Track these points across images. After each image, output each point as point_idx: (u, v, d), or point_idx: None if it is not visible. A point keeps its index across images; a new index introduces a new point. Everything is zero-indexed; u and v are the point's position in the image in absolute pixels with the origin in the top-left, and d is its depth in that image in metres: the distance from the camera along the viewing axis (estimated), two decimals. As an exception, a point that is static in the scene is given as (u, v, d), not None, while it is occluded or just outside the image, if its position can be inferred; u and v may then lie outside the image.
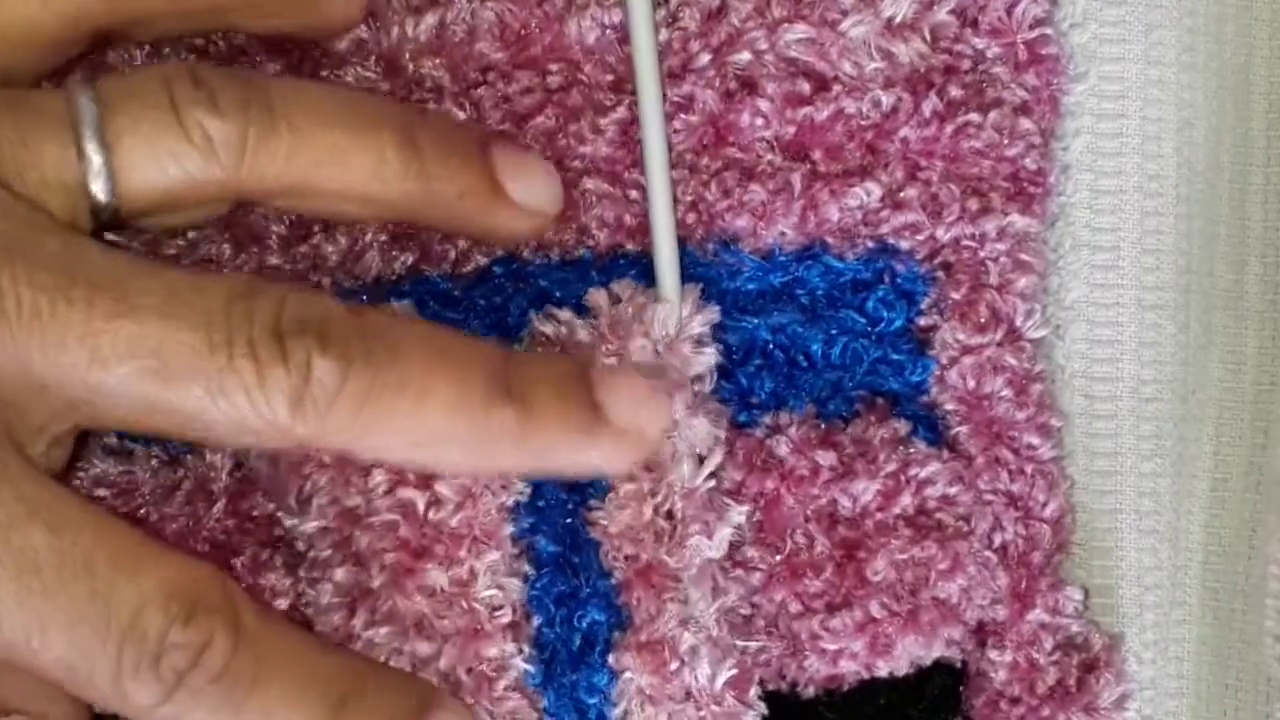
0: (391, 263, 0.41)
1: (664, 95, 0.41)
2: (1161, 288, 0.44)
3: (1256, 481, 0.44)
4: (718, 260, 0.41)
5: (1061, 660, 0.42)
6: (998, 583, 0.41)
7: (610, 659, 0.39)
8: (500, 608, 0.38)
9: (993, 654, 0.42)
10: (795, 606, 0.40)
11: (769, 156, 0.41)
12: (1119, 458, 0.43)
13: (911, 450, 0.41)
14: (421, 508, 0.38)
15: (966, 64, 0.42)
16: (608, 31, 0.41)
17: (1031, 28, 0.41)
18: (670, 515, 0.39)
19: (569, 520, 0.39)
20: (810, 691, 0.41)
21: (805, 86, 0.41)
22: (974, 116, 0.41)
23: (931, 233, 0.42)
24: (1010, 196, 0.42)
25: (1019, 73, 0.42)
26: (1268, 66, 0.45)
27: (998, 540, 0.42)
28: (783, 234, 0.41)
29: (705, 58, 0.41)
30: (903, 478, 0.41)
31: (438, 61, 0.41)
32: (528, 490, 0.39)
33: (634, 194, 0.41)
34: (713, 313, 0.40)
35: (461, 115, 0.41)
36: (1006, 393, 0.42)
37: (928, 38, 0.41)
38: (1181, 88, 0.43)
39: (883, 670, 0.41)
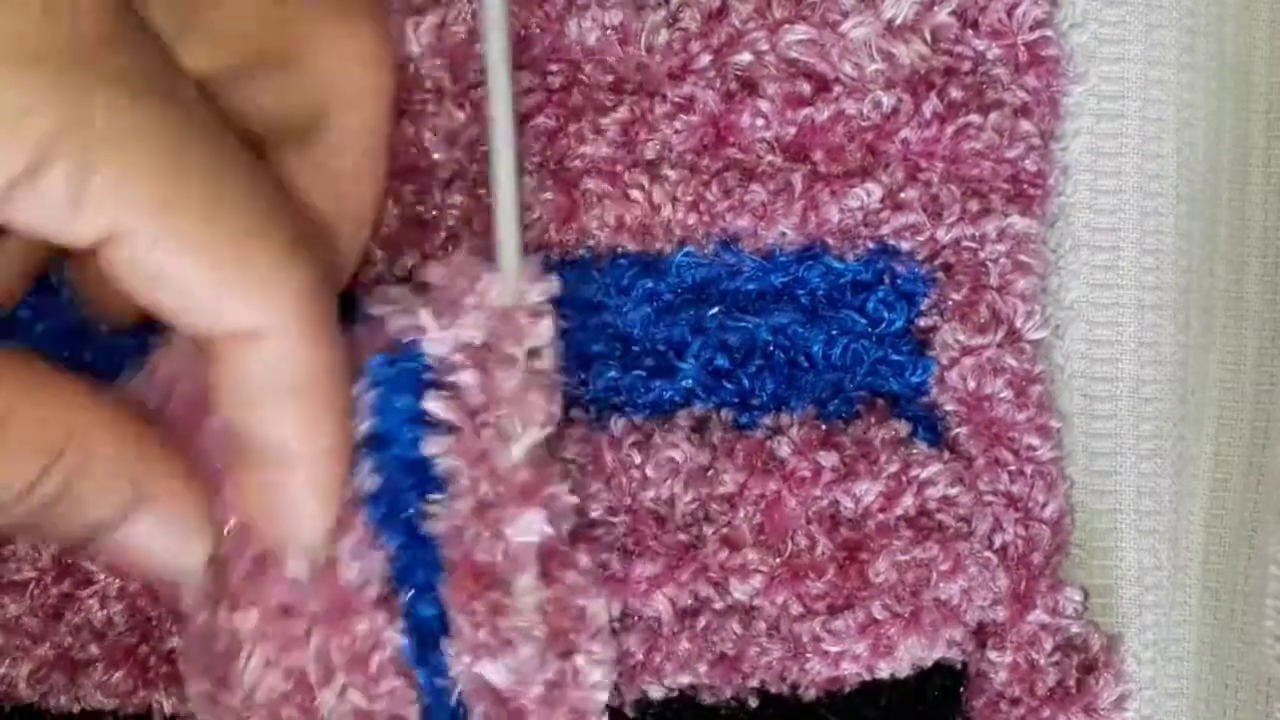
0: (391, 265, 0.41)
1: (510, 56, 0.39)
2: (1161, 288, 0.44)
3: (1256, 481, 0.44)
4: (718, 260, 0.41)
5: (1061, 661, 0.42)
6: (998, 583, 0.41)
7: (444, 647, 0.38)
8: (367, 583, 0.38)
9: (993, 655, 0.42)
10: (796, 608, 0.40)
11: (769, 157, 0.41)
12: (1118, 458, 0.43)
13: (913, 451, 0.41)
14: None
15: (967, 65, 0.42)
16: (608, 32, 0.41)
17: (1032, 29, 0.41)
18: (493, 512, 0.38)
19: (408, 514, 0.38)
20: (811, 693, 0.41)
21: (806, 87, 0.41)
22: (974, 118, 0.41)
23: (932, 234, 0.42)
24: (1010, 198, 0.42)
25: (1019, 74, 0.42)
26: (1268, 67, 0.45)
27: (998, 541, 0.42)
28: (783, 234, 0.41)
29: (706, 58, 0.41)
30: (904, 478, 0.41)
31: (438, 62, 0.41)
32: (377, 480, 0.38)
33: (634, 194, 0.41)
34: (551, 284, 0.38)
35: (461, 116, 0.41)
36: (1006, 394, 0.42)
37: (928, 39, 0.41)
38: (1181, 88, 0.43)
39: (884, 672, 0.41)
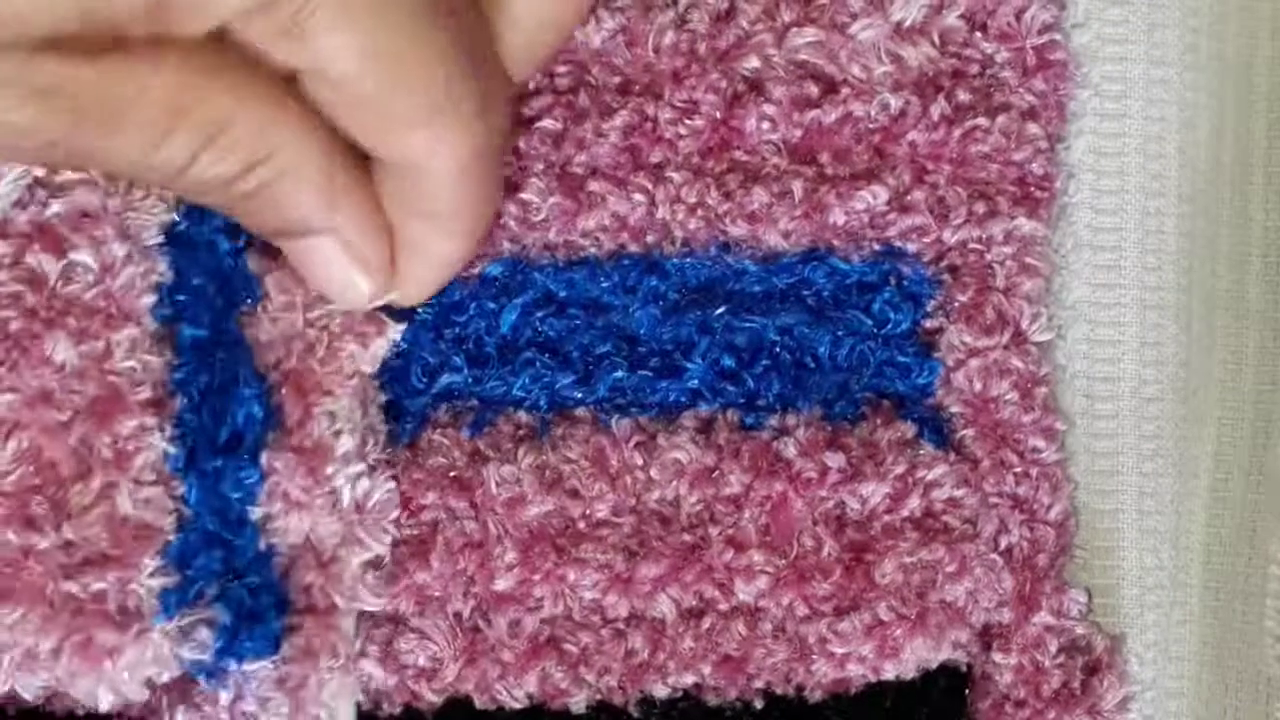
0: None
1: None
2: (1163, 288, 0.44)
3: (1257, 481, 0.44)
4: (722, 261, 0.41)
5: (1066, 663, 0.42)
6: (1003, 585, 0.41)
7: (262, 458, 0.39)
8: (140, 383, 0.38)
9: (998, 657, 0.42)
10: (802, 610, 0.40)
11: (775, 159, 0.41)
12: (1120, 458, 0.44)
13: (919, 453, 0.41)
14: (53, 278, 0.37)
15: (975, 68, 0.42)
16: (615, 34, 0.41)
17: (1040, 33, 0.42)
18: (326, 328, 0.39)
19: (216, 315, 0.39)
20: (816, 695, 0.41)
21: (813, 89, 0.41)
22: (982, 121, 0.41)
23: (938, 235, 0.42)
24: (1017, 200, 0.42)
25: (1027, 77, 0.42)
26: (1270, 66, 0.45)
27: (1003, 543, 0.42)
28: (788, 236, 0.41)
29: (713, 61, 0.41)
30: (910, 480, 0.41)
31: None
32: (170, 274, 0.38)
33: (638, 195, 0.41)
34: None
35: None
36: (1012, 396, 0.42)
37: (936, 42, 0.41)
38: (1184, 88, 0.43)
39: (889, 673, 0.41)
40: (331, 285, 0.38)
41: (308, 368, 0.39)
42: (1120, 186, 0.43)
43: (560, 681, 0.41)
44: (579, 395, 0.41)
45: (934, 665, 0.41)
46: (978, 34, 0.41)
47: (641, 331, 0.41)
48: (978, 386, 0.42)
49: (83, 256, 0.38)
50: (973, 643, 0.42)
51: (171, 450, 0.38)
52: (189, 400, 0.38)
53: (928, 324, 0.42)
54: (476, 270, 0.41)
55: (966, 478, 0.41)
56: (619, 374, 0.41)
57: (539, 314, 0.41)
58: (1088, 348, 0.43)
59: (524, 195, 0.41)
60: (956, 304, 0.42)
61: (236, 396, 0.39)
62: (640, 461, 0.41)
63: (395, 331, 0.40)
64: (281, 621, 0.39)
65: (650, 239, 0.41)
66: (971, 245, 0.42)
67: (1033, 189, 0.42)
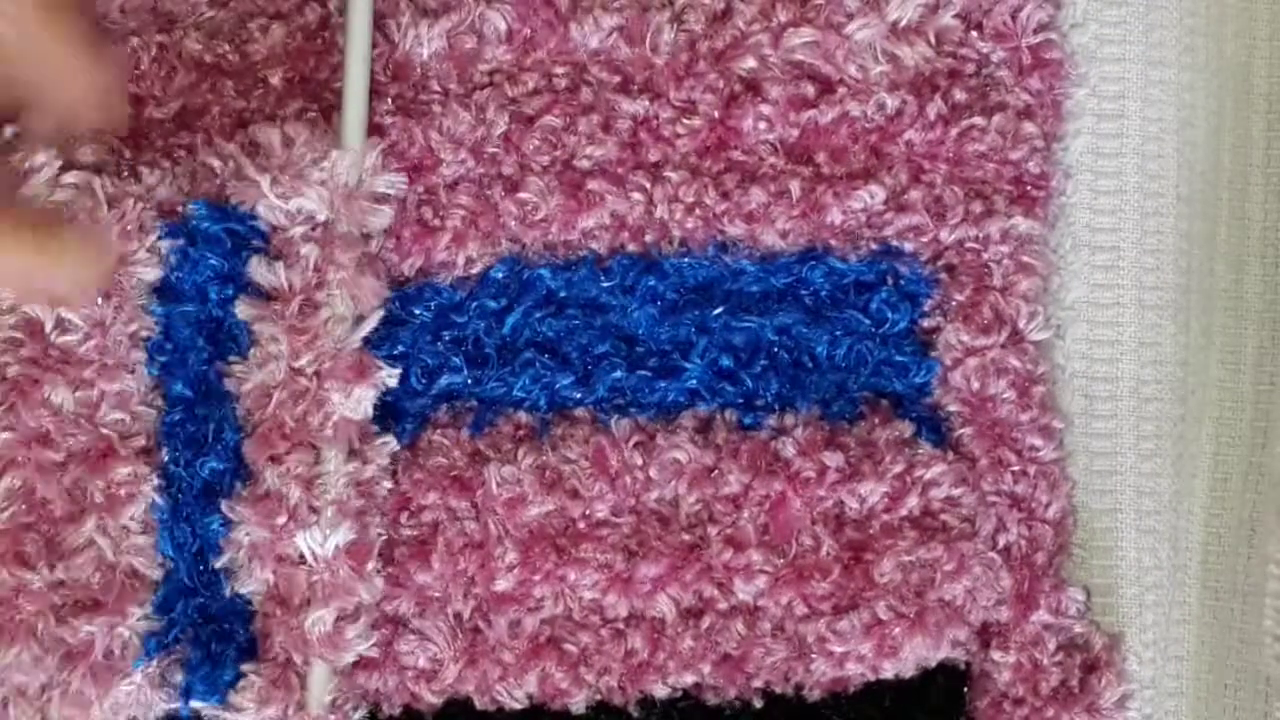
0: (399, 266, 0.41)
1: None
2: (1161, 288, 0.44)
3: (1256, 481, 0.44)
4: (720, 261, 0.42)
5: (1064, 661, 0.42)
6: (1002, 584, 0.41)
7: (225, 507, 0.39)
8: (133, 435, 0.39)
9: (996, 655, 0.42)
10: (801, 609, 0.40)
11: (771, 159, 0.41)
12: (1119, 458, 0.44)
13: (917, 452, 0.41)
14: (49, 326, 0.38)
15: (971, 68, 0.42)
16: (613, 34, 0.41)
17: (1036, 32, 0.42)
18: (318, 375, 0.39)
19: (203, 368, 0.39)
20: (816, 694, 0.41)
21: (810, 89, 0.41)
22: (978, 120, 0.41)
23: (935, 235, 0.42)
24: (1013, 199, 0.42)
25: (1023, 77, 0.42)
26: (1268, 67, 0.45)
27: (1001, 541, 0.42)
28: (785, 235, 0.41)
29: (710, 61, 0.41)
30: (909, 479, 0.41)
31: (447, 65, 0.41)
32: (159, 329, 0.39)
33: (636, 195, 0.41)
34: (399, 180, 0.40)
35: (467, 117, 0.41)
36: (1009, 395, 0.42)
37: (933, 41, 0.41)
38: (1182, 88, 0.44)
39: (888, 672, 0.41)
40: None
41: (281, 418, 0.39)
42: (1118, 187, 0.44)
43: (560, 681, 0.41)
44: (578, 395, 0.42)
45: (933, 664, 0.41)
46: (973, 33, 0.42)
47: (640, 331, 0.42)
48: (975, 385, 0.42)
49: (69, 313, 0.38)
50: (971, 641, 0.42)
51: (159, 500, 0.39)
52: (173, 452, 0.39)
53: (925, 323, 0.42)
54: (476, 271, 0.41)
55: (964, 476, 0.41)
56: (618, 374, 0.41)
57: (538, 314, 0.41)
58: (1086, 347, 0.44)
59: (524, 195, 0.41)
60: (954, 303, 0.42)
61: (209, 448, 0.39)
62: (640, 461, 0.41)
63: (390, 376, 0.39)
64: (237, 669, 0.39)
65: (649, 238, 0.41)
66: (968, 244, 0.42)
67: (1029, 188, 0.42)
